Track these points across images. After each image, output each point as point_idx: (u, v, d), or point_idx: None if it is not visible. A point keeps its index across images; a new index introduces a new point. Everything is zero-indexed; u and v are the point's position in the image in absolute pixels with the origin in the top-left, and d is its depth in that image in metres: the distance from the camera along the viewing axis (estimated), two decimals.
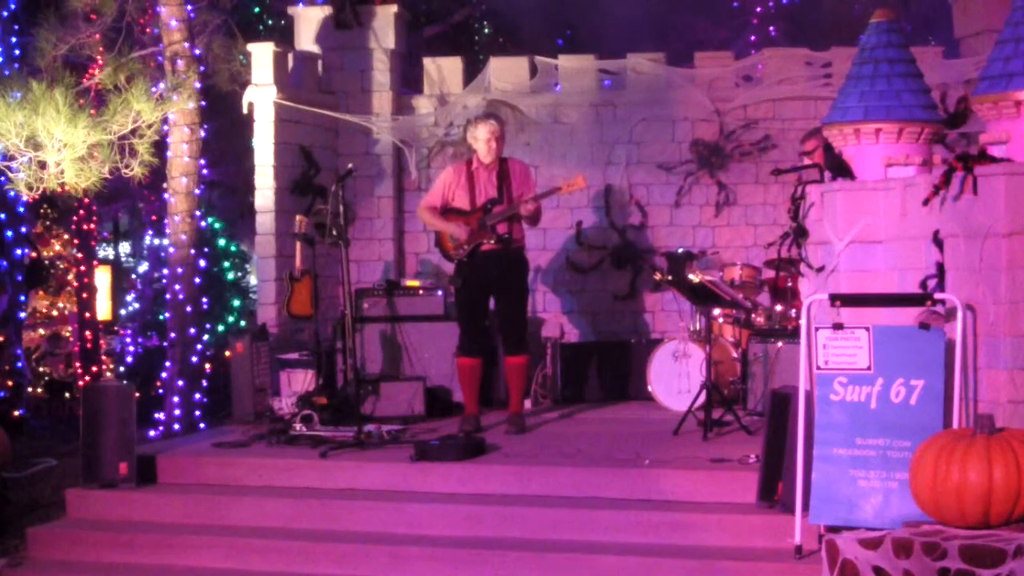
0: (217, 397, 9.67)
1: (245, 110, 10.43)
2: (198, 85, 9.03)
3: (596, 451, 7.88)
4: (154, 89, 8.63)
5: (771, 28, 17.52)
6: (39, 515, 7.87)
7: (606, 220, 11.04)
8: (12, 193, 8.63)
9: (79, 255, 12.87)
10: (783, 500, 6.66)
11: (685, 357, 9.29)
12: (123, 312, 14.79)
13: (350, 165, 9.03)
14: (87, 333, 12.81)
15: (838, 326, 6.28)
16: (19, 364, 10.80)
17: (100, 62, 9.67)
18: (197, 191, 9.08)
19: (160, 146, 8.73)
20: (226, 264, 14.88)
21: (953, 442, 5.52)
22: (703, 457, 7.50)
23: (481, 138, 8.63)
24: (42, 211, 12.84)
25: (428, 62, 11.49)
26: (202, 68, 9.30)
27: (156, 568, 7.19)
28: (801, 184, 7.15)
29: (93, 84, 9.15)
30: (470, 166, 8.76)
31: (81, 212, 12.67)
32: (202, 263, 9.17)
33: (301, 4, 11.37)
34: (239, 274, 15.28)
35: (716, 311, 9.34)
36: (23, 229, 10.72)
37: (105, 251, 15.49)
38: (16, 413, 10.50)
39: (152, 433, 8.84)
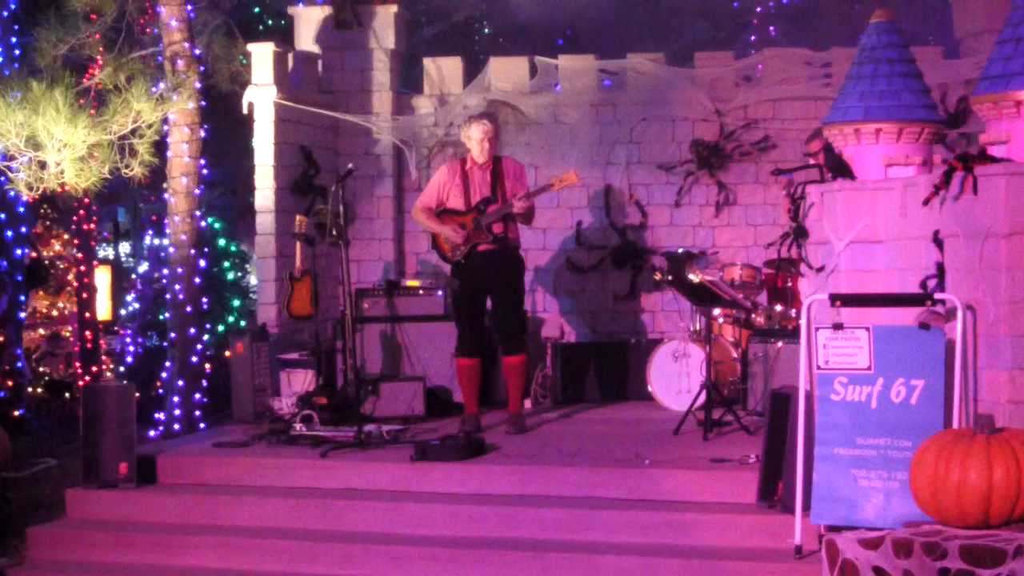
0: (217, 397, 9.66)
1: (245, 110, 10.43)
2: (198, 85, 9.03)
3: (596, 451, 7.88)
4: (154, 89, 8.63)
5: (771, 28, 17.52)
6: (39, 515, 7.87)
7: (606, 220, 11.04)
8: (12, 193, 8.63)
9: (79, 255, 12.86)
10: (783, 500, 6.67)
11: (685, 357, 9.29)
12: (123, 312, 14.77)
13: (350, 165, 9.03)
14: (87, 333, 12.80)
15: (838, 326, 6.28)
16: (19, 364, 10.79)
17: (100, 62, 9.66)
18: (197, 191, 9.07)
19: (160, 146, 8.73)
20: (226, 264, 14.87)
21: (953, 442, 5.52)
22: (703, 457, 7.50)
23: (474, 138, 8.63)
24: (42, 211, 12.82)
25: (428, 62, 11.49)
26: (202, 68, 9.30)
27: (156, 568, 7.19)
28: (794, 185, 7.15)
29: (93, 84, 9.14)
30: (464, 165, 8.77)
31: (81, 212, 12.66)
32: (202, 263, 9.17)
33: (301, 4, 11.37)
34: (239, 274, 15.27)
35: (716, 311, 9.34)
36: (23, 229, 10.71)
37: (105, 251, 15.45)
38: (16, 413, 10.49)
39: (152, 433, 8.84)
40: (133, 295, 14.93)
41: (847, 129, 6.87)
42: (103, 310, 13.65)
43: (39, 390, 12.05)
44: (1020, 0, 6.43)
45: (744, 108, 10.89)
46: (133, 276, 15.46)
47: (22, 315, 11.09)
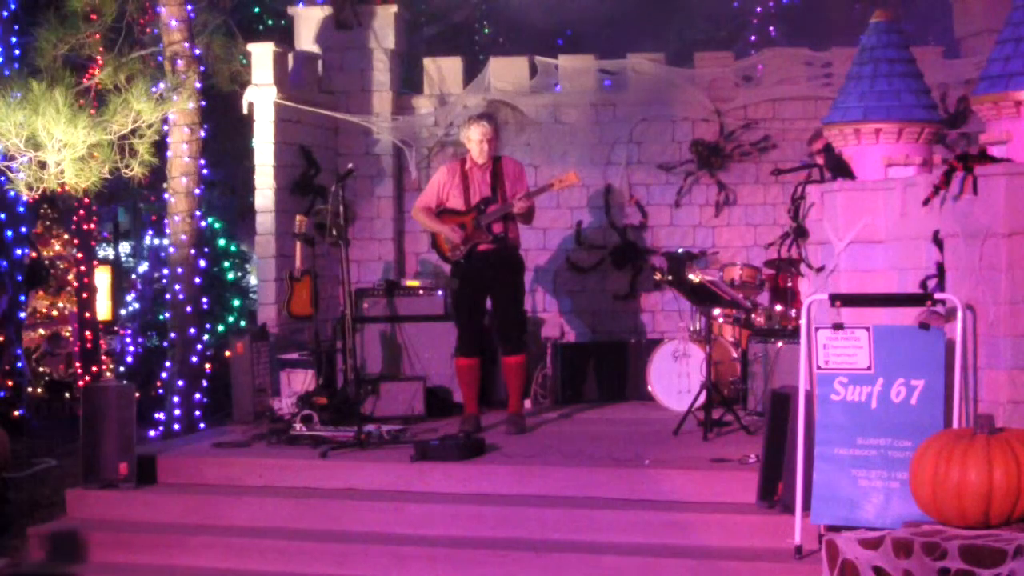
0: (217, 397, 9.66)
1: (245, 110, 10.42)
2: (198, 85, 9.03)
3: (596, 451, 7.88)
4: (154, 89, 8.63)
5: (771, 28, 17.53)
6: (39, 515, 7.87)
7: (606, 220, 11.04)
8: (12, 193, 8.63)
9: (79, 255, 12.86)
10: (783, 500, 6.66)
11: (685, 357, 9.29)
12: (123, 312, 14.78)
13: (350, 165, 9.03)
14: (87, 333, 12.80)
15: (838, 326, 6.28)
16: (19, 364, 10.80)
17: (100, 62, 9.67)
18: (197, 191, 9.07)
19: (160, 146, 8.72)
20: (226, 264, 14.87)
21: (953, 442, 5.52)
22: (703, 457, 7.50)
23: (474, 139, 8.64)
24: (42, 211, 12.83)
25: (428, 62, 11.49)
26: (202, 68, 9.30)
27: (156, 568, 7.19)
28: (809, 183, 7.16)
29: (93, 84, 9.15)
30: (464, 165, 8.78)
31: (81, 212, 12.66)
32: (202, 263, 9.17)
33: (301, 4, 11.37)
34: (239, 274, 15.27)
35: (716, 311, 9.34)
36: (23, 229, 10.71)
37: (105, 251, 15.46)
38: (16, 413, 10.49)
39: (152, 433, 8.84)
40: (133, 295, 14.94)
41: (847, 129, 6.87)
42: (103, 310, 13.65)
43: (39, 390, 12.06)
44: (1020, 0, 6.43)
45: (744, 108, 10.89)
46: (133, 276, 15.46)
47: (22, 315, 11.09)
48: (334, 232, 8.56)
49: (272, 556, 7.13)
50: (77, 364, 12.77)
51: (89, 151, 8.04)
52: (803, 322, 6.49)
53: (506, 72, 11.18)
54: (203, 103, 9.17)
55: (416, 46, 14.04)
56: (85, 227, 12.86)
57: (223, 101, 10.99)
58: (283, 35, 12.17)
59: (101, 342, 13.26)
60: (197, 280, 9.08)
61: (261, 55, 10.38)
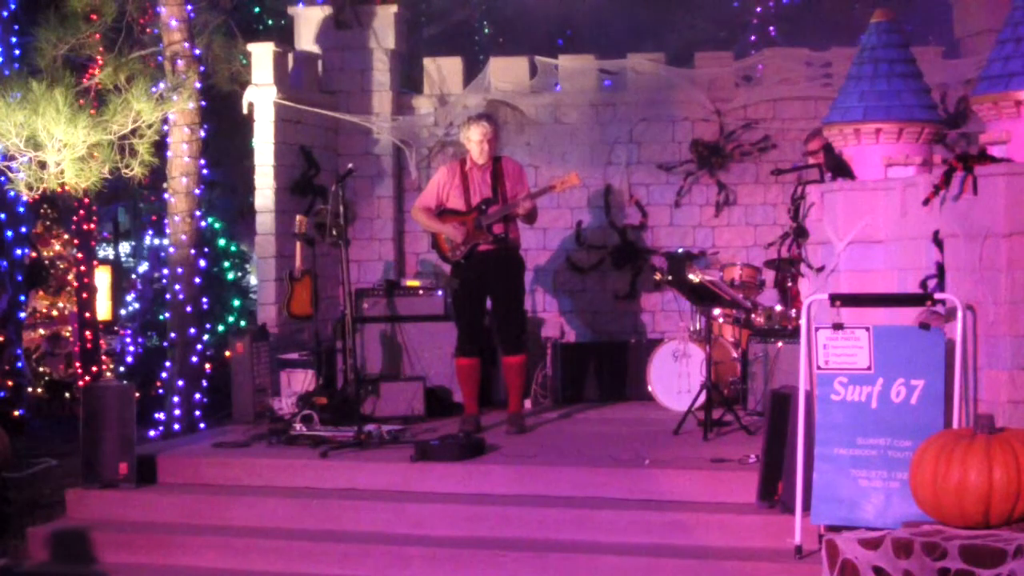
0: (217, 397, 9.66)
1: (245, 110, 10.42)
2: (198, 85, 9.03)
3: (596, 451, 7.88)
4: (154, 89, 8.63)
5: (771, 28, 17.52)
6: (39, 515, 7.87)
7: (606, 220, 11.04)
8: (12, 193, 8.63)
9: (79, 255, 12.86)
10: (783, 500, 6.67)
11: (685, 357, 9.29)
12: (123, 312, 14.78)
13: (350, 165, 9.03)
14: (87, 333, 12.80)
15: (838, 326, 6.28)
16: (19, 364, 10.80)
17: (100, 62, 9.67)
18: (197, 191, 9.07)
19: (160, 146, 8.73)
20: (226, 264, 14.87)
21: (953, 442, 5.52)
22: (703, 457, 7.50)
23: (474, 139, 8.64)
24: (42, 211, 12.83)
25: (428, 62, 11.49)
26: (202, 68, 9.30)
27: (156, 568, 7.19)
28: (802, 184, 7.16)
29: (93, 84, 9.15)
30: (464, 166, 8.77)
31: (81, 212, 12.67)
32: (202, 263, 9.17)
33: (301, 4, 11.37)
34: (239, 274, 15.27)
35: (716, 311, 9.34)
36: (23, 229, 10.72)
37: (105, 251, 15.46)
38: (16, 413, 10.50)
39: (152, 433, 8.84)
40: (133, 295, 14.94)
41: (847, 129, 6.87)
42: (103, 310, 13.65)
43: (39, 390, 12.06)
44: (1020, 0, 6.43)
45: (744, 108, 10.89)
46: (133, 276, 15.46)
47: (22, 315, 11.09)
48: (334, 232, 8.56)
49: (272, 556, 7.13)
50: (77, 364, 12.76)
51: (89, 151, 8.04)
52: (803, 322, 6.49)
53: (506, 72, 11.18)
54: (203, 103, 9.17)
55: (416, 46, 14.04)
56: (85, 227, 12.86)
57: (223, 101, 10.99)
58: (283, 35, 12.16)
59: (101, 342, 13.26)
60: (197, 280, 9.08)
61: (261, 55, 10.38)
